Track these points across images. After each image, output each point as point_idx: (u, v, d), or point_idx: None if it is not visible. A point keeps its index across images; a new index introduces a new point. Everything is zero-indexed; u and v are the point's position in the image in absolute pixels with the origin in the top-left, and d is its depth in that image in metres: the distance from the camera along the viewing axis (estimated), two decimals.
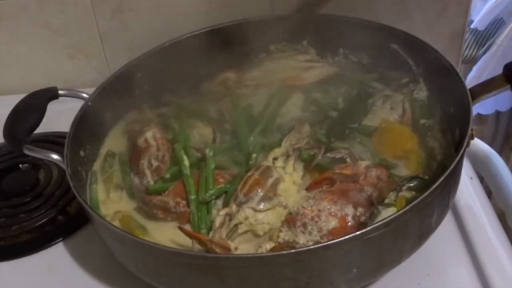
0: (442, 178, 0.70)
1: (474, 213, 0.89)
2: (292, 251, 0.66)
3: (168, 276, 0.74)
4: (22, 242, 0.93)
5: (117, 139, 0.99)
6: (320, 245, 0.66)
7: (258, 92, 1.01)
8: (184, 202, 0.84)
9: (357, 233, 0.66)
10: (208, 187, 0.84)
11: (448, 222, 0.87)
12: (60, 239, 0.93)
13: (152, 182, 0.87)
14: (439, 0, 1.11)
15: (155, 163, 0.89)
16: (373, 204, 0.77)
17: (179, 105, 1.01)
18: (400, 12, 1.10)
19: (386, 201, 0.76)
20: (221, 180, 0.85)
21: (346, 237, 0.65)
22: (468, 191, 0.93)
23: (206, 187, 0.84)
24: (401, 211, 0.67)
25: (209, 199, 0.83)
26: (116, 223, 0.84)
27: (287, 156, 0.86)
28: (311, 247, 0.66)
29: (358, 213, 0.76)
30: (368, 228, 0.66)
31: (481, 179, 0.98)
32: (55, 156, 0.85)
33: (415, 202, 0.68)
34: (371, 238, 0.67)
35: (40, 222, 0.94)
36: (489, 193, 0.97)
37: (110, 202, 0.88)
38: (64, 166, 0.83)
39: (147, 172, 0.88)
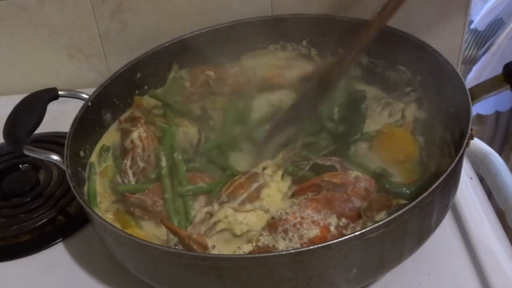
0: (442, 178, 0.70)
1: (474, 213, 0.89)
2: (292, 251, 0.66)
3: (169, 276, 0.74)
4: (22, 242, 0.93)
5: (113, 135, 0.99)
6: (320, 245, 0.65)
7: (239, 90, 1.01)
8: (161, 201, 0.84)
9: (357, 233, 0.66)
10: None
11: (448, 222, 0.88)
12: (60, 239, 0.93)
13: (133, 182, 0.87)
14: (439, 0, 1.11)
15: (141, 164, 0.90)
16: (360, 216, 0.76)
17: (165, 102, 1.01)
18: (400, 12, 1.10)
19: (377, 219, 0.76)
20: (200, 183, 0.85)
21: (346, 237, 0.65)
22: (468, 191, 0.93)
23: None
24: (401, 211, 0.67)
25: (185, 193, 0.84)
26: (110, 214, 0.85)
27: (277, 167, 0.86)
28: (311, 247, 0.66)
29: (341, 224, 0.76)
30: (368, 228, 0.66)
31: (481, 179, 0.98)
32: (55, 157, 0.85)
33: (415, 201, 0.67)
34: (371, 238, 0.67)
35: (40, 222, 0.94)
36: (489, 193, 0.97)
37: (107, 194, 0.89)
38: (64, 167, 0.83)
39: (129, 172, 0.89)
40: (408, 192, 0.79)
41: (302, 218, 0.76)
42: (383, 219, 0.67)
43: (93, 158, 0.95)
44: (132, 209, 0.84)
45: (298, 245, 0.73)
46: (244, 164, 0.90)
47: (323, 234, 0.74)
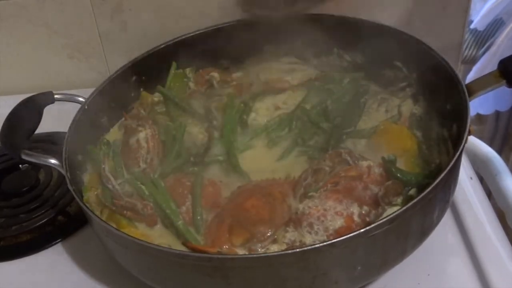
0: (443, 174, 0.70)
1: (474, 214, 0.89)
2: (297, 250, 0.66)
3: (173, 278, 0.74)
4: (22, 242, 0.93)
5: (114, 131, 0.99)
6: (325, 243, 0.65)
7: (241, 93, 1.01)
8: (151, 205, 0.83)
9: (362, 230, 0.66)
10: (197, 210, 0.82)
11: (448, 222, 0.88)
12: (60, 239, 0.93)
13: (117, 187, 0.86)
14: (439, 0, 1.11)
15: (142, 166, 0.89)
16: (378, 203, 0.77)
17: (169, 98, 1.00)
18: (400, 12, 1.10)
19: (393, 203, 0.77)
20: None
21: (351, 234, 0.65)
22: (468, 191, 0.93)
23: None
24: (404, 208, 0.67)
25: None
26: (98, 211, 0.84)
27: None
28: (316, 245, 0.66)
29: (363, 212, 0.76)
30: (373, 225, 0.66)
31: (481, 179, 0.98)
32: (53, 161, 0.84)
33: (417, 198, 0.68)
34: (375, 235, 0.67)
35: (40, 222, 0.94)
36: (489, 193, 0.97)
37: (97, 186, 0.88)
38: (63, 171, 0.83)
39: (110, 176, 0.87)
40: (416, 180, 0.79)
41: (325, 210, 0.76)
42: (387, 216, 0.67)
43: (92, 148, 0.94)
44: (124, 212, 0.83)
45: (325, 238, 0.74)
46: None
47: (348, 224, 0.74)
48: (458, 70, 0.99)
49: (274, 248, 0.75)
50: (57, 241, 0.93)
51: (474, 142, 1.00)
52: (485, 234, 0.86)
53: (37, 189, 1.00)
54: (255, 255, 0.72)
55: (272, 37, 1.06)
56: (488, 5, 1.58)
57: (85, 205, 0.78)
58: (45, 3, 1.17)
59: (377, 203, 0.77)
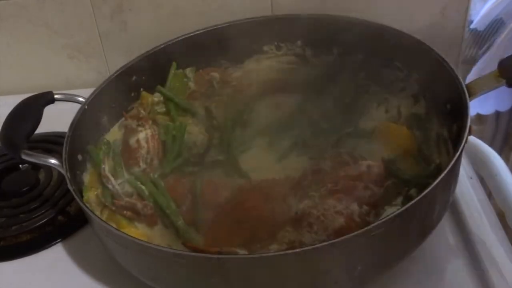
0: (443, 174, 0.70)
1: (474, 214, 0.89)
2: (297, 250, 0.66)
3: (173, 278, 0.74)
4: (22, 242, 0.93)
5: (114, 131, 0.99)
6: (325, 243, 0.65)
7: (241, 93, 1.02)
8: (151, 204, 0.84)
9: (362, 230, 0.66)
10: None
11: (448, 222, 0.88)
12: (60, 239, 0.93)
13: (117, 187, 0.86)
14: (439, 0, 1.11)
15: (142, 166, 0.90)
16: (378, 202, 0.77)
17: (169, 98, 1.00)
18: (400, 12, 1.10)
19: (393, 203, 0.77)
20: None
21: (351, 234, 0.65)
22: (468, 191, 0.93)
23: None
24: (404, 208, 0.67)
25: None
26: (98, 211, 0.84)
27: None
28: (317, 245, 0.66)
29: (363, 211, 0.76)
30: (373, 225, 0.66)
31: (481, 179, 0.98)
32: (53, 161, 0.85)
33: (417, 198, 0.68)
34: (375, 235, 0.67)
35: (40, 222, 0.94)
36: (489, 193, 0.97)
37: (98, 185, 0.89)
38: (63, 171, 0.83)
39: (110, 177, 0.88)
40: (417, 180, 0.79)
41: (324, 209, 0.76)
42: (388, 216, 0.67)
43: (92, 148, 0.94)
44: (124, 212, 0.83)
45: (325, 238, 0.73)
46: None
47: (348, 224, 0.74)
48: (458, 70, 0.99)
49: (274, 248, 0.75)
50: (57, 241, 0.93)
51: (474, 142, 0.99)
52: (485, 234, 0.86)
53: (37, 189, 1.00)
54: (255, 255, 0.72)
55: (272, 37, 1.06)
56: (488, 5, 1.57)
57: (85, 205, 0.78)
58: (45, 3, 1.17)
59: (377, 203, 0.77)
